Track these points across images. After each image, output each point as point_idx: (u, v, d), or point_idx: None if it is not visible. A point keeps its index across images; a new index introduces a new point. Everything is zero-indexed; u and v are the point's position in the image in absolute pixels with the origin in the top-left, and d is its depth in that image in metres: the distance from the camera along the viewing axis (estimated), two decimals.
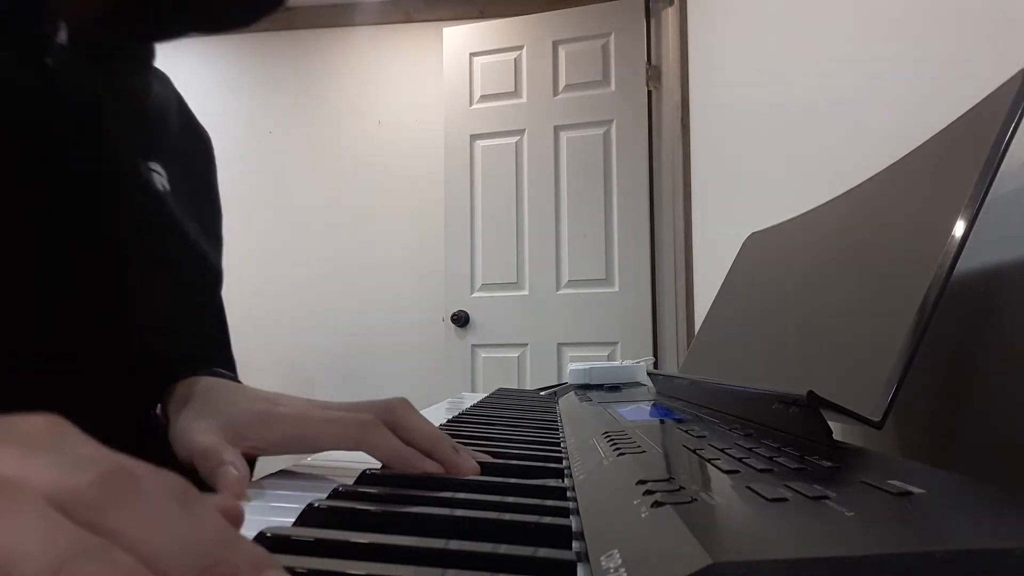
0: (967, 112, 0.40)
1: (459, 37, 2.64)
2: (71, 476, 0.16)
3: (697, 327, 1.27)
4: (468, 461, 0.39)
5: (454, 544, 0.24)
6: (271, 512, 0.33)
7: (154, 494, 0.16)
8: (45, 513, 0.14)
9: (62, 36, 0.41)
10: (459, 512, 0.29)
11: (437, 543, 0.24)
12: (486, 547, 0.24)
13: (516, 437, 0.54)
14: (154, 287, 0.47)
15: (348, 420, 0.40)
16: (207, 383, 0.45)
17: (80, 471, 0.16)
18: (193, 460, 0.37)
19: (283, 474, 0.41)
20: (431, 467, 0.38)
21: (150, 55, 0.52)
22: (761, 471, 0.26)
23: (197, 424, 0.39)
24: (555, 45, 2.55)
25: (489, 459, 0.41)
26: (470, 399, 1.02)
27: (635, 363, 0.99)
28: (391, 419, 0.40)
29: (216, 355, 0.54)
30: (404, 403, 0.42)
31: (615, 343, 2.43)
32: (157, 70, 0.55)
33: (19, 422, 0.18)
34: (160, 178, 0.48)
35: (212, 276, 0.54)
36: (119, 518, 0.15)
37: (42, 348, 0.41)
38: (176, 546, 0.16)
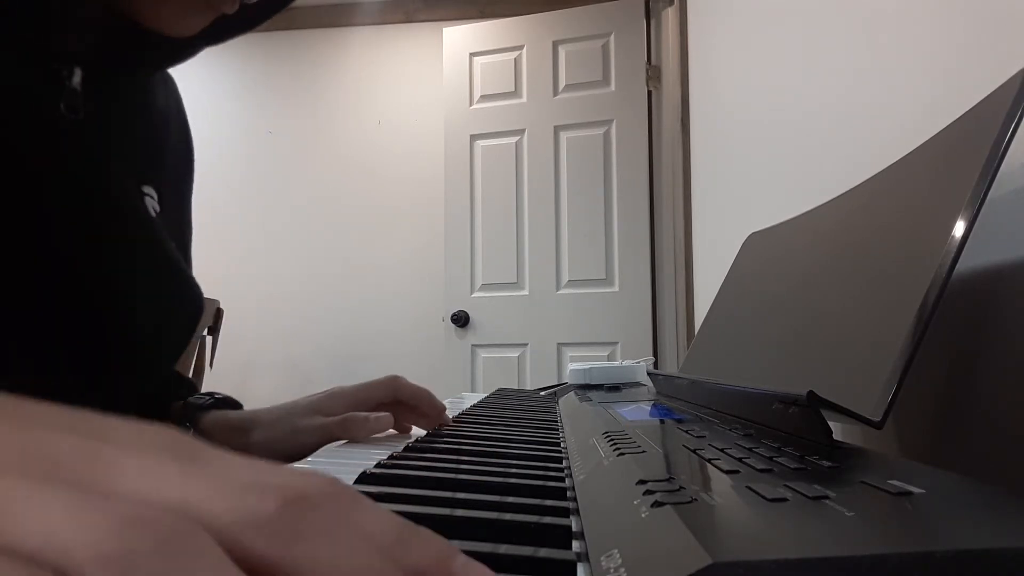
0: (967, 112, 0.40)
1: (459, 37, 2.64)
2: (245, 502, 0.14)
3: (697, 327, 1.27)
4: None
5: (454, 544, 0.24)
6: None
7: (329, 515, 0.15)
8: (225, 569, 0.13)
9: (76, 79, 0.43)
10: (459, 512, 0.29)
11: None
12: (486, 547, 0.24)
13: (516, 437, 0.54)
14: (139, 309, 0.48)
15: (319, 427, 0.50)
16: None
17: (251, 496, 0.14)
18: None
19: None
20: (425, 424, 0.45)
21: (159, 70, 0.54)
22: (761, 471, 0.26)
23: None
24: (555, 45, 2.55)
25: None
26: (470, 399, 1.02)
27: (635, 363, 0.99)
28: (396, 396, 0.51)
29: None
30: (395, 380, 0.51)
31: (615, 343, 2.43)
32: (164, 73, 0.56)
33: (146, 431, 0.16)
34: (152, 201, 0.49)
35: (195, 302, 0.55)
36: (306, 550, 0.14)
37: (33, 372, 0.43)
38: (364, 564, 0.15)
